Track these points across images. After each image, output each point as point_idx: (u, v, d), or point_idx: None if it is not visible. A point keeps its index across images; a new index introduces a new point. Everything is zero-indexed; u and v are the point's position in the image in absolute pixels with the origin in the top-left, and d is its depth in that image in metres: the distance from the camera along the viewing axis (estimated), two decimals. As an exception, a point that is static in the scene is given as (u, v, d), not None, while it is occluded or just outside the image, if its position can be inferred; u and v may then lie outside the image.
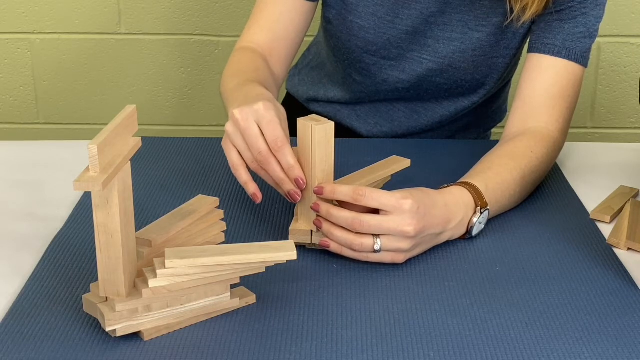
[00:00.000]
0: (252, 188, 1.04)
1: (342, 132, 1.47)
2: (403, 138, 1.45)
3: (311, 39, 1.59)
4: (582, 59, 1.23)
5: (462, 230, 1.05)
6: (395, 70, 1.36)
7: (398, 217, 0.96)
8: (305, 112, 1.41)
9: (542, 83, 1.22)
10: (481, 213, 1.05)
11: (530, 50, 1.26)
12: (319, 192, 0.99)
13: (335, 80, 1.46)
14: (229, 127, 1.04)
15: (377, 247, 0.97)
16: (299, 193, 1.01)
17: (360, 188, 0.97)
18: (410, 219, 0.96)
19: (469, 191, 1.06)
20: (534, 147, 1.17)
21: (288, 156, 1.00)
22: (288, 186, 1.01)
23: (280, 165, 1.01)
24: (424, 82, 1.36)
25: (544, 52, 1.23)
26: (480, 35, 1.30)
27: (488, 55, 1.32)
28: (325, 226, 0.98)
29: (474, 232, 1.05)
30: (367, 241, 0.97)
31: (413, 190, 0.99)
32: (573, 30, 1.22)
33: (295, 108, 1.52)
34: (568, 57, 1.22)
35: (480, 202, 1.05)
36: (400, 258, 0.99)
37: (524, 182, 1.13)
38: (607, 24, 2.01)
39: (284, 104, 1.61)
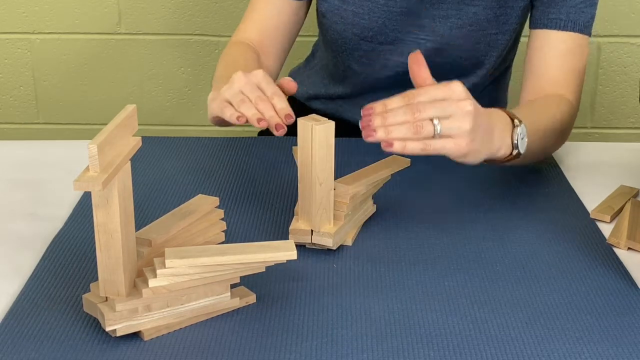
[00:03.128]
0: (276, 118, 1.04)
1: (345, 128, 1.47)
2: None
3: (312, 40, 1.59)
4: (586, 29, 1.26)
5: (508, 142, 1.03)
6: (393, 54, 1.36)
7: (454, 98, 0.95)
8: (307, 111, 1.41)
9: (554, 59, 1.25)
10: (519, 126, 1.04)
11: (535, 27, 1.28)
12: (369, 114, 0.96)
13: (337, 77, 1.46)
14: (225, 90, 1.08)
15: (437, 126, 0.94)
16: (284, 126, 1.03)
17: (408, 92, 0.96)
18: (464, 94, 0.96)
19: (503, 111, 1.06)
20: (561, 106, 1.22)
21: (282, 101, 1.05)
22: (276, 119, 1.03)
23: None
24: None
25: (551, 27, 1.26)
26: (477, 10, 1.30)
27: (486, 31, 1.32)
28: (382, 130, 0.95)
29: (521, 147, 1.04)
30: (427, 123, 0.94)
31: (451, 81, 0.99)
32: (575, 2, 1.25)
33: (296, 108, 1.53)
34: (573, 29, 1.25)
35: (514, 118, 1.05)
36: (463, 144, 0.96)
37: (552, 129, 1.17)
38: (607, 24, 2.01)
39: None
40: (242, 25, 1.39)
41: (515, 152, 1.05)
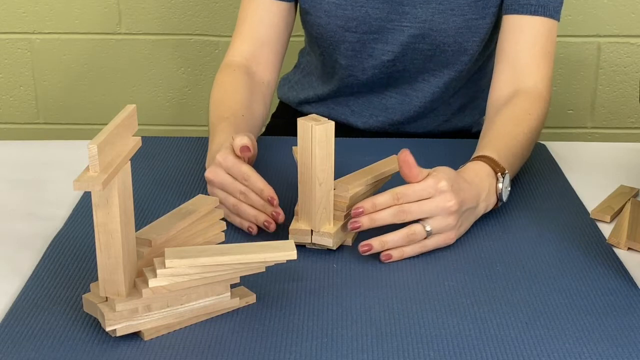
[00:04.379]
0: (262, 217, 1.06)
1: (338, 128, 1.47)
2: (400, 126, 1.46)
3: (299, 40, 1.59)
4: (555, 13, 1.30)
5: (494, 199, 1.10)
6: (378, 42, 1.38)
7: (438, 198, 1.01)
8: (299, 115, 1.42)
9: (524, 43, 1.29)
10: (503, 178, 1.10)
11: (506, 12, 1.31)
12: (359, 214, 1.01)
13: (325, 76, 1.48)
14: (210, 189, 1.10)
15: (428, 229, 1.01)
16: (279, 211, 1.04)
17: (395, 192, 1.01)
18: (449, 196, 1.01)
19: (485, 162, 1.11)
20: (530, 108, 1.25)
21: (258, 183, 1.05)
22: (264, 217, 1.05)
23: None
24: (408, 51, 1.38)
25: (522, 12, 1.29)
26: None
27: (467, 16, 1.34)
28: (377, 242, 1.01)
29: (504, 197, 1.11)
30: (418, 228, 1.01)
31: (439, 171, 1.03)
32: None
33: (289, 113, 1.54)
34: (544, 14, 1.29)
35: (498, 169, 1.11)
36: (452, 236, 1.03)
37: (527, 144, 1.21)
38: (607, 24, 2.01)
39: (278, 111, 1.62)
40: (234, 40, 1.39)
41: (499, 203, 1.12)
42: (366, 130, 1.47)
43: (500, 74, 1.30)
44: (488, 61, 1.47)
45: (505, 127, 1.21)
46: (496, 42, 1.37)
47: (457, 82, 1.43)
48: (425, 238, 1.02)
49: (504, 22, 1.31)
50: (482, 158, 1.12)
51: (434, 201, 1.01)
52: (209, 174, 1.09)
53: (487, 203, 1.09)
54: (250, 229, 1.06)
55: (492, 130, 1.21)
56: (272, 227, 1.04)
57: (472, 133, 1.53)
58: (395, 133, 1.47)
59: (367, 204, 1.01)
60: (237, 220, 1.07)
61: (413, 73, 1.42)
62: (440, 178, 1.01)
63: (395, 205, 1.01)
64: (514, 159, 1.17)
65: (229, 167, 1.07)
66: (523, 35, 1.29)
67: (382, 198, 1.01)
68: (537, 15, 1.29)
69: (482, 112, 1.53)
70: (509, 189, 1.12)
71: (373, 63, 1.40)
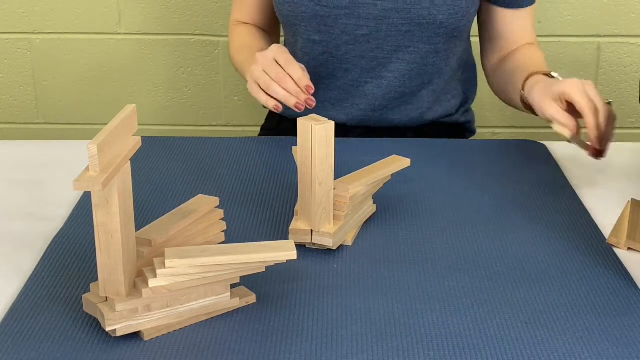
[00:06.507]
0: (292, 99, 1.22)
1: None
2: (384, 113, 1.47)
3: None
4: (533, 1, 1.49)
5: None
6: (350, 18, 1.39)
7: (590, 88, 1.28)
8: (288, 121, 1.42)
9: (518, 30, 1.49)
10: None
11: (493, 2, 1.46)
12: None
13: (300, 59, 1.46)
14: (252, 68, 1.26)
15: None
16: (313, 99, 1.22)
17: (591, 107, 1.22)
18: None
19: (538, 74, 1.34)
20: (534, 49, 1.49)
21: (298, 71, 1.23)
22: (303, 96, 1.21)
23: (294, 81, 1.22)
24: (383, 25, 1.39)
25: (510, 7, 1.46)
26: None
27: None
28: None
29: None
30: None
31: (569, 86, 1.27)
32: None
33: (275, 121, 1.54)
34: (529, 4, 1.48)
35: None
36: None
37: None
38: (607, 24, 2.01)
39: (266, 122, 1.61)
40: (233, 14, 1.57)
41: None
42: (350, 121, 1.47)
43: (495, 48, 1.50)
44: (461, 36, 1.47)
45: (530, 60, 1.42)
46: (470, 18, 1.43)
47: (432, 59, 1.43)
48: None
49: (492, 12, 1.47)
50: (533, 74, 1.33)
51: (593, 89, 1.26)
52: (260, 56, 1.24)
53: None
54: (276, 108, 1.22)
55: (526, 59, 1.42)
56: (302, 108, 1.21)
57: (460, 124, 1.54)
58: (383, 128, 1.47)
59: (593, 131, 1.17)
60: (262, 98, 1.23)
61: (388, 52, 1.41)
62: (578, 85, 1.26)
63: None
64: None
65: (278, 53, 1.23)
66: (513, 24, 1.47)
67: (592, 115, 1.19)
68: (523, 7, 1.46)
69: (466, 93, 1.55)
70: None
71: (347, 39, 1.40)
